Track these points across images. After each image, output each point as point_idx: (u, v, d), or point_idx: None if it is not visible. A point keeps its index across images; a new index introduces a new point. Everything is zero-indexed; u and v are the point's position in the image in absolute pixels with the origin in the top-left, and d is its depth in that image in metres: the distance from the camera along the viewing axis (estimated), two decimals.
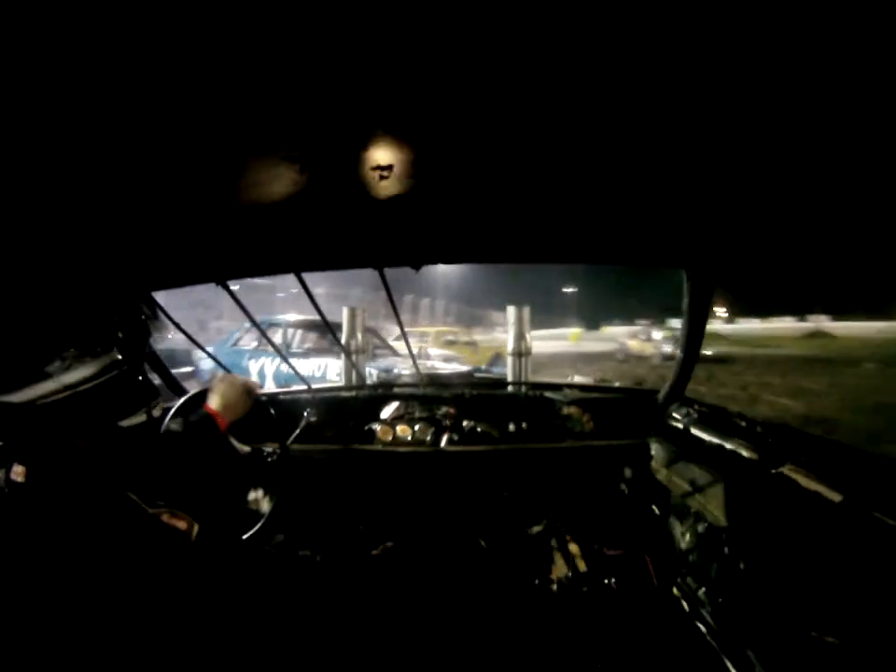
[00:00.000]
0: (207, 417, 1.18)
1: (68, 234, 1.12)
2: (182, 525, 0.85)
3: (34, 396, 0.75)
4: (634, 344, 17.16)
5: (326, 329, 7.43)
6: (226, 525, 1.47)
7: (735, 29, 0.52)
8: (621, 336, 18.52)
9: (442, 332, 14.51)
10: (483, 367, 11.66)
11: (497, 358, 12.44)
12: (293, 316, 7.09)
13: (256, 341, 6.57)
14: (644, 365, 14.16)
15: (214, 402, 1.22)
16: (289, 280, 1.68)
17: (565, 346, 20.09)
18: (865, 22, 0.51)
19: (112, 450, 1.08)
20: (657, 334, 16.64)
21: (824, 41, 0.54)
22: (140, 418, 1.16)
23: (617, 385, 2.75)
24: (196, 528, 0.86)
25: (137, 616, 0.69)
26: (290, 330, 6.66)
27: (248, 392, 1.30)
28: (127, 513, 0.76)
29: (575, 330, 24.99)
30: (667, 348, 15.09)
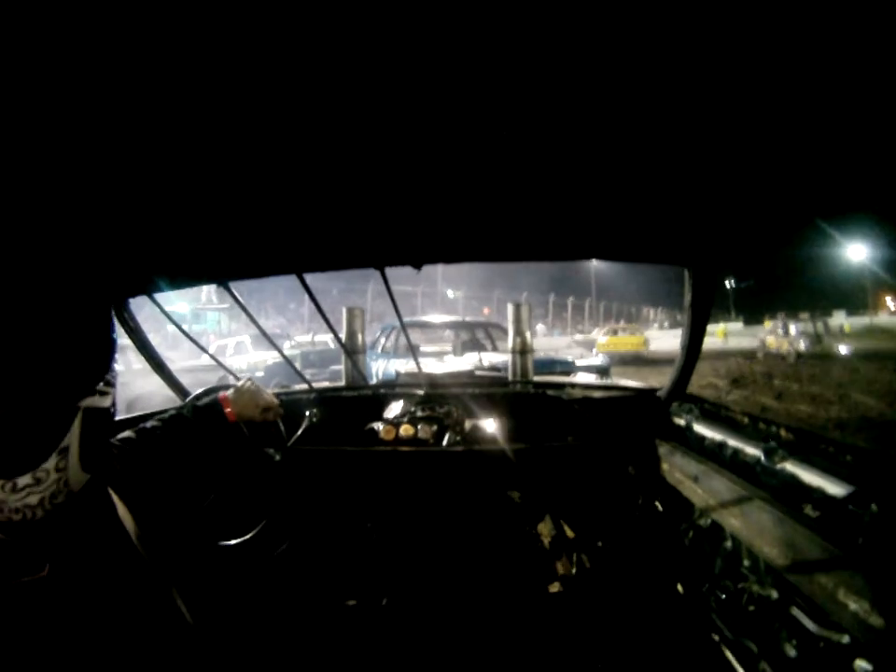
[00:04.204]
0: (216, 402, 1.29)
1: (65, 235, 1.12)
2: None
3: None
4: (770, 341, 15.80)
5: (457, 328, 7.75)
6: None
7: (738, 26, 0.52)
8: (763, 332, 17.11)
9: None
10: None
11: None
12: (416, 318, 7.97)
13: (381, 344, 7.29)
14: (772, 365, 11.88)
15: (229, 393, 1.32)
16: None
17: (709, 343, 18.30)
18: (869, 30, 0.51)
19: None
20: (794, 329, 15.18)
21: (831, 41, 0.54)
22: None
23: (620, 383, 2.75)
24: None
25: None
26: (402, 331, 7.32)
27: (258, 403, 1.37)
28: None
29: (722, 326, 23.69)
30: (802, 345, 13.87)
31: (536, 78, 0.62)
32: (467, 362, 4.69)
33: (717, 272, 1.64)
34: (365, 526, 1.92)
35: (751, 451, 1.27)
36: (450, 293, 26.36)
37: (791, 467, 1.11)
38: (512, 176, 0.99)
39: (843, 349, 14.11)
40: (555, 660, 1.45)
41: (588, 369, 6.11)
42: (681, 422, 1.68)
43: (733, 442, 1.36)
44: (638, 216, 1.25)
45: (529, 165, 0.93)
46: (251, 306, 1.85)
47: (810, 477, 1.05)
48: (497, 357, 5.58)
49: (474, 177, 0.99)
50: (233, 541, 1.53)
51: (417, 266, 1.60)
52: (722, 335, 21.81)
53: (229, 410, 1.28)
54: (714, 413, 1.62)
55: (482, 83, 0.63)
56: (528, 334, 3.68)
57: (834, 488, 0.97)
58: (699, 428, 1.57)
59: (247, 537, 1.54)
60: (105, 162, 0.80)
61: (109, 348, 0.66)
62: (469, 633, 1.53)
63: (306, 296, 1.66)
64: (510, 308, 3.78)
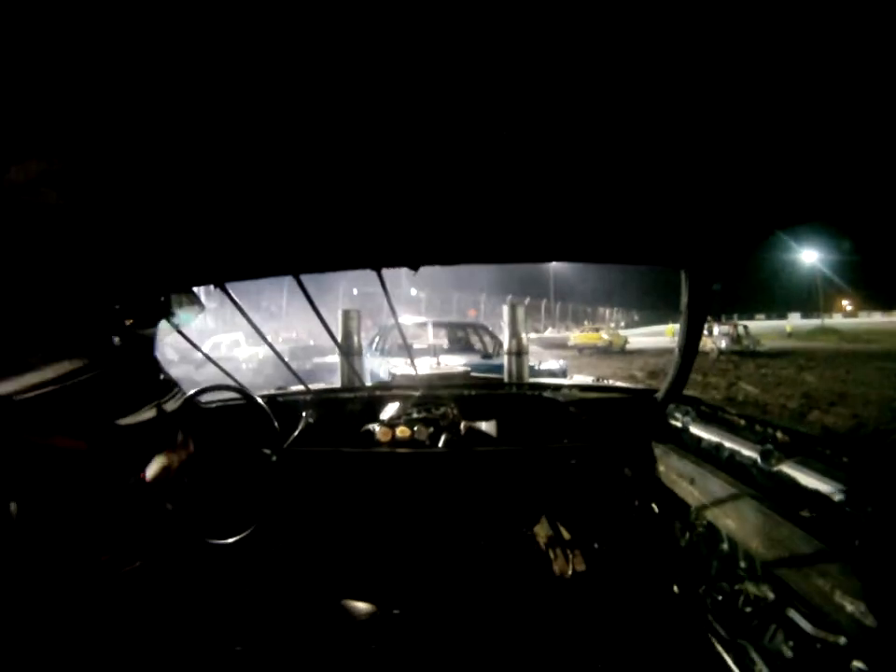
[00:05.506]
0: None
1: (77, 234, 1.11)
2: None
3: (12, 389, 0.70)
4: None
5: (440, 329, 7.58)
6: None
7: (737, 32, 0.53)
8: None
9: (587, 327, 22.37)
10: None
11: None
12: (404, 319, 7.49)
13: (377, 343, 6.89)
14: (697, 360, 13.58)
15: None
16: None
17: (657, 342, 21.39)
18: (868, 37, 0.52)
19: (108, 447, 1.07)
20: (717, 330, 17.13)
21: (828, 48, 0.54)
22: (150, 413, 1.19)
23: (617, 384, 2.76)
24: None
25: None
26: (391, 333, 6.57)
27: None
28: None
29: (671, 326, 25.99)
30: (723, 343, 15.98)
31: (535, 88, 0.63)
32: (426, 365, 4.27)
33: (713, 275, 1.64)
34: (360, 526, 1.91)
35: (748, 453, 1.27)
36: (413, 292, 26.99)
37: (787, 469, 1.12)
38: (511, 180, 0.99)
39: (760, 348, 16.19)
40: (553, 660, 1.44)
41: (550, 373, 6.03)
42: (678, 423, 1.69)
43: (729, 444, 1.36)
44: (637, 219, 1.26)
45: (529, 170, 0.93)
46: (225, 304, 1.86)
47: (806, 479, 1.05)
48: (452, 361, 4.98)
49: (473, 182, 0.99)
50: (230, 539, 1.52)
51: (414, 267, 1.59)
52: (671, 334, 23.90)
53: None
54: (711, 415, 1.62)
55: (479, 90, 0.63)
56: (524, 335, 3.66)
57: (830, 490, 0.98)
58: (696, 430, 1.57)
59: (242, 536, 1.53)
60: (104, 167, 0.80)
61: None
62: (464, 633, 1.53)
63: (281, 295, 1.67)
64: (505, 309, 3.77)
